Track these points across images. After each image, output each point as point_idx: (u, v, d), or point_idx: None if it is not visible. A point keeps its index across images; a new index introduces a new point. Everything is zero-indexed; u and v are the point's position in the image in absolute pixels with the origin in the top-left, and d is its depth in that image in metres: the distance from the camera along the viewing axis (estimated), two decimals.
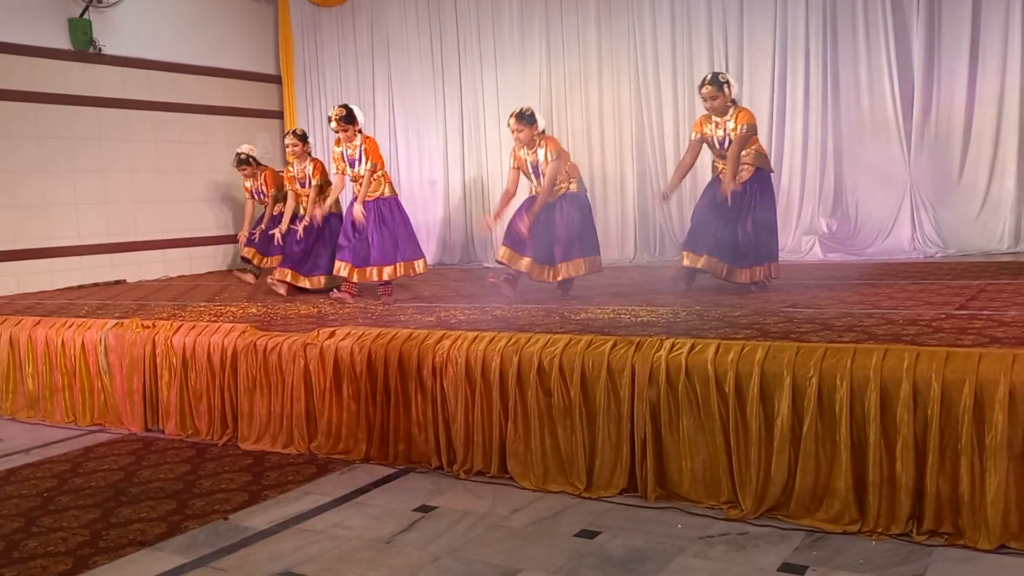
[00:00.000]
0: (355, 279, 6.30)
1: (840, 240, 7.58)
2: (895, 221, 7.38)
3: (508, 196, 5.88)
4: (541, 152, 5.65)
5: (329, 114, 6.35)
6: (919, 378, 3.09)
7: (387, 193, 6.40)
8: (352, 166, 6.33)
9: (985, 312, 4.06)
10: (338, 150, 6.36)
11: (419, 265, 6.48)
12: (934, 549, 3.01)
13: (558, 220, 5.69)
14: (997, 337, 3.41)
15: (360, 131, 6.34)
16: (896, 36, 7.24)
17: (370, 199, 6.31)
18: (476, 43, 9.20)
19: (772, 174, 5.70)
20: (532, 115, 5.63)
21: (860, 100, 7.46)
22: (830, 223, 7.67)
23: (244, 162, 8.30)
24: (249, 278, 8.01)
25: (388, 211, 6.37)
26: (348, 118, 6.21)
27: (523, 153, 5.71)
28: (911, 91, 7.25)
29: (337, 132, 6.28)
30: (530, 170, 5.73)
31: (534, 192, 5.78)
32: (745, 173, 5.46)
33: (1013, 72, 6.91)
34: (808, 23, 7.56)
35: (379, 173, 6.34)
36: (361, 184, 6.28)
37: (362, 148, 6.27)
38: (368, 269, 6.31)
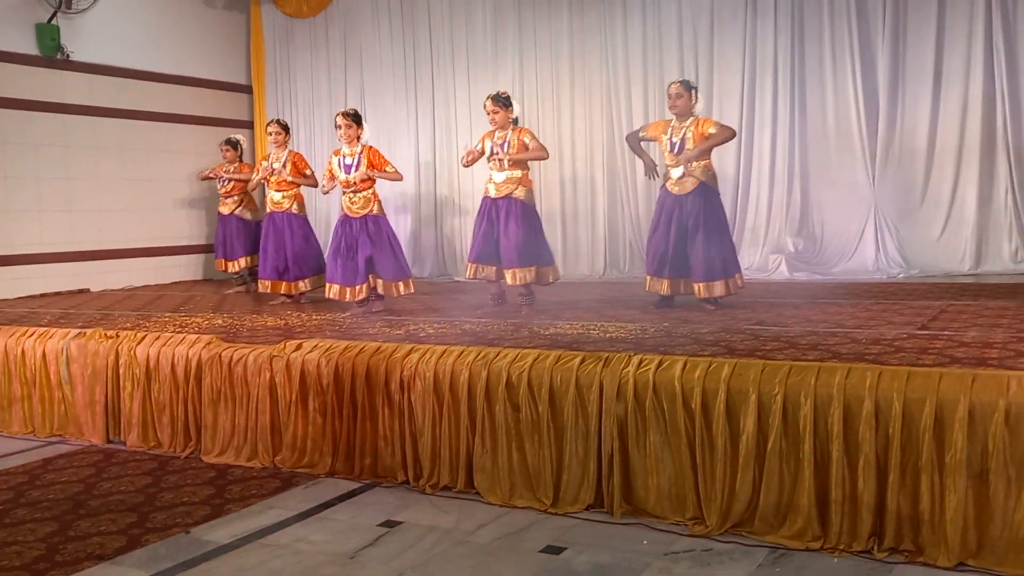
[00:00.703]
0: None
1: (806, 259, 7.68)
2: (860, 241, 7.50)
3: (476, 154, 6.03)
4: (512, 135, 5.82)
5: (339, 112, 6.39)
6: (881, 397, 3.14)
7: (376, 211, 6.25)
8: (348, 171, 6.17)
9: (946, 332, 4.13)
10: (335, 159, 6.28)
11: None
12: (895, 566, 3.04)
13: (510, 227, 5.82)
14: (957, 357, 3.47)
15: (359, 139, 6.29)
16: (862, 57, 7.37)
17: (361, 215, 6.17)
18: (449, 55, 9.23)
19: (719, 195, 5.73)
20: (508, 99, 5.86)
21: (826, 120, 7.59)
22: (796, 242, 7.77)
23: (233, 146, 8.62)
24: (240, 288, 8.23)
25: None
26: (356, 117, 6.26)
27: (494, 137, 5.87)
28: (876, 112, 7.39)
29: (340, 128, 6.21)
30: (495, 151, 5.86)
31: (493, 168, 5.93)
32: (689, 184, 5.50)
33: (975, 95, 7.07)
34: (776, 43, 7.68)
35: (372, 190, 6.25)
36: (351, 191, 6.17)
37: (361, 155, 6.16)
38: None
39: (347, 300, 6.16)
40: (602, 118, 8.47)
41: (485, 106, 5.85)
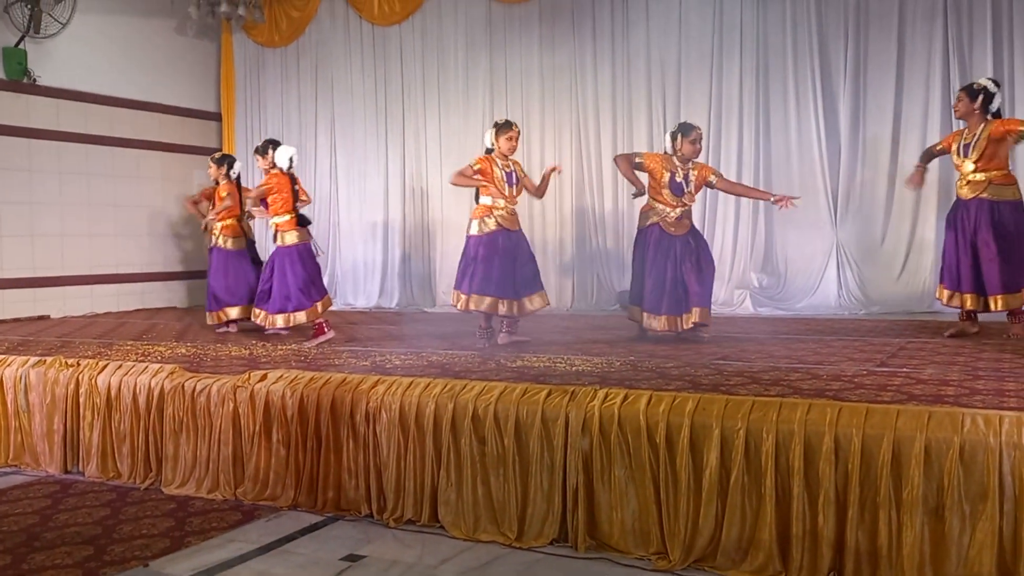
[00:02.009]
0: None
1: (770, 295, 7.80)
2: (822, 278, 7.64)
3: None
4: (513, 165, 5.78)
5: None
6: (840, 433, 3.19)
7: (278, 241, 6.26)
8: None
9: (904, 369, 4.21)
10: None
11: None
12: None
13: (527, 254, 5.80)
14: (914, 394, 3.54)
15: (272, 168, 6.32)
16: (824, 101, 7.57)
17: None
18: (421, 89, 9.31)
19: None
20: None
21: (790, 160, 7.75)
22: (760, 278, 7.90)
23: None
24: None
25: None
26: (260, 149, 6.42)
27: (503, 161, 5.68)
28: (838, 154, 7.57)
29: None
30: (503, 178, 5.64)
31: (494, 198, 5.63)
32: (688, 222, 5.63)
33: (933, 138, 7.21)
34: (742, 85, 7.86)
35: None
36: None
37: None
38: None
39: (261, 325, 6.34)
40: (571, 155, 8.58)
41: (513, 128, 5.66)
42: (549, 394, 3.78)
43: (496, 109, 8.88)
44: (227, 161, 7.24)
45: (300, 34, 9.88)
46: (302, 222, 6.23)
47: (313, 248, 6.29)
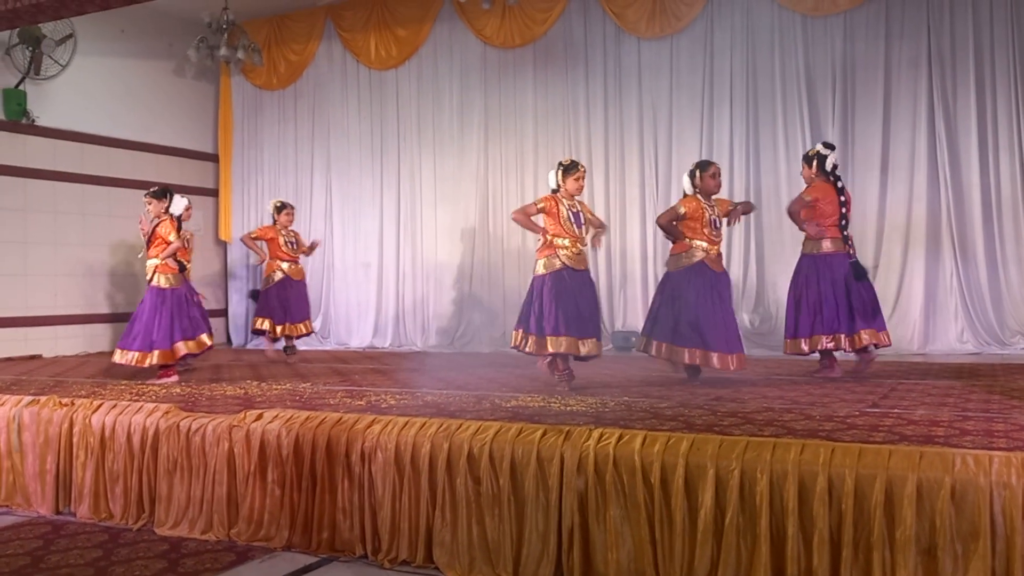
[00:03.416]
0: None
1: (762, 335, 7.86)
2: None
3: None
4: (580, 206, 5.60)
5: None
6: (834, 473, 3.22)
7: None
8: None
9: (895, 410, 4.25)
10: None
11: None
12: None
13: (587, 296, 5.54)
14: (906, 435, 3.57)
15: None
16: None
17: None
18: (416, 132, 9.44)
19: None
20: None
21: (780, 204, 7.84)
22: (753, 319, 7.96)
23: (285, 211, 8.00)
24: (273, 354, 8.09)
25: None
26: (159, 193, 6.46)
27: (568, 201, 5.50)
28: None
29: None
30: (570, 217, 5.46)
31: (547, 239, 5.48)
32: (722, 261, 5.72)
33: (920, 183, 7.42)
34: (732, 129, 8.02)
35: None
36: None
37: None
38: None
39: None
40: None
41: (579, 170, 5.52)
42: (544, 434, 3.79)
43: (490, 150, 9.02)
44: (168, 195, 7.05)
45: (298, 77, 10.03)
46: (181, 266, 6.53)
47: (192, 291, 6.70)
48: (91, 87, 9.14)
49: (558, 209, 5.47)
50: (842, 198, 5.77)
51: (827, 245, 5.76)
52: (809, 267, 5.81)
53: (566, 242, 5.45)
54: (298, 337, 8.15)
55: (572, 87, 8.67)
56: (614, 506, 3.57)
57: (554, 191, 5.58)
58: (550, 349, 5.34)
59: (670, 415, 4.23)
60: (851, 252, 5.78)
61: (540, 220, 5.57)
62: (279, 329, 7.92)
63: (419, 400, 4.99)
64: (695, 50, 8.16)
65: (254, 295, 8.41)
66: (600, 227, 5.78)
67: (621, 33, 8.42)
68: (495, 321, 9.00)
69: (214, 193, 10.51)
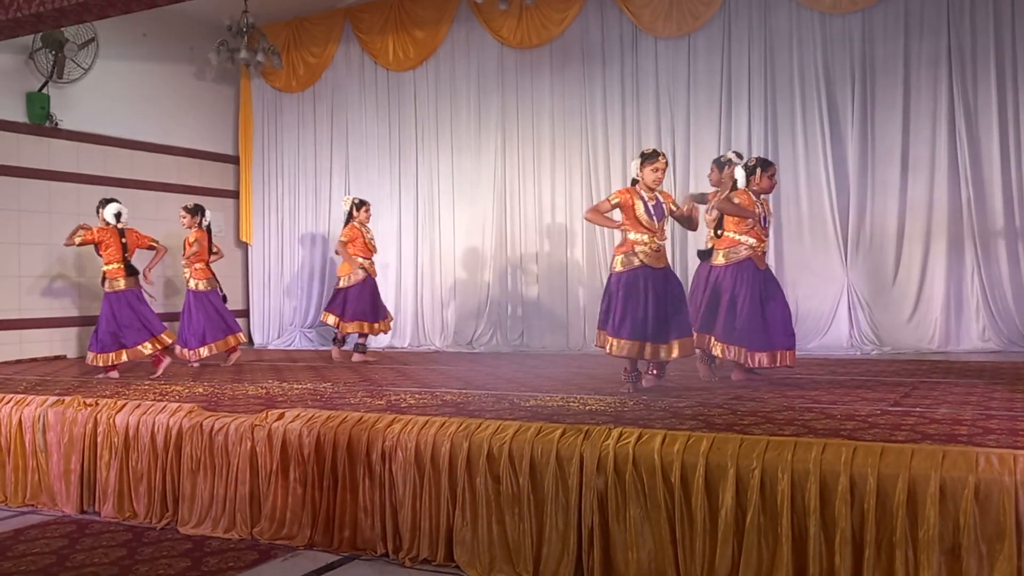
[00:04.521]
0: None
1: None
2: (833, 319, 7.67)
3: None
4: (662, 196, 5.32)
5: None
6: (856, 472, 3.20)
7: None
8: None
9: (917, 409, 4.23)
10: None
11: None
12: None
13: (669, 294, 5.26)
14: (928, 434, 3.55)
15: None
16: (832, 144, 7.68)
17: None
18: (434, 132, 9.47)
19: None
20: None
21: (799, 204, 7.84)
22: None
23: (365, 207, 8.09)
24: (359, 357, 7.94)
25: None
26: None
27: (647, 194, 5.22)
28: (847, 197, 7.66)
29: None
30: (646, 211, 5.18)
31: (625, 235, 5.24)
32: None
33: (940, 181, 7.36)
34: (750, 129, 7.98)
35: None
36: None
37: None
38: None
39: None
40: (582, 196, 8.69)
41: (660, 159, 5.19)
42: (563, 433, 3.80)
43: (508, 151, 9.04)
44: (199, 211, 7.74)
45: (317, 79, 10.10)
46: (130, 270, 7.00)
47: (146, 295, 7.12)
48: (113, 90, 9.23)
49: (634, 203, 5.17)
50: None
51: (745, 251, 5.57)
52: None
53: (643, 238, 5.16)
54: (375, 335, 8.23)
55: (589, 87, 8.67)
56: (634, 505, 3.57)
57: (634, 182, 5.30)
58: (612, 352, 5.18)
59: (689, 414, 4.22)
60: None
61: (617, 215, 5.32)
62: (369, 327, 7.91)
63: (438, 399, 5.01)
64: (712, 49, 8.14)
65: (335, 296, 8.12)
66: (692, 213, 5.49)
67: (638, 32, 8.41)
68: (514, 321, 9.02)
69: (235, 195, 10.60)
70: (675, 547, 3.50)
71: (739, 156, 6.29)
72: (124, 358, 6.83)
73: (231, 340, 7.62)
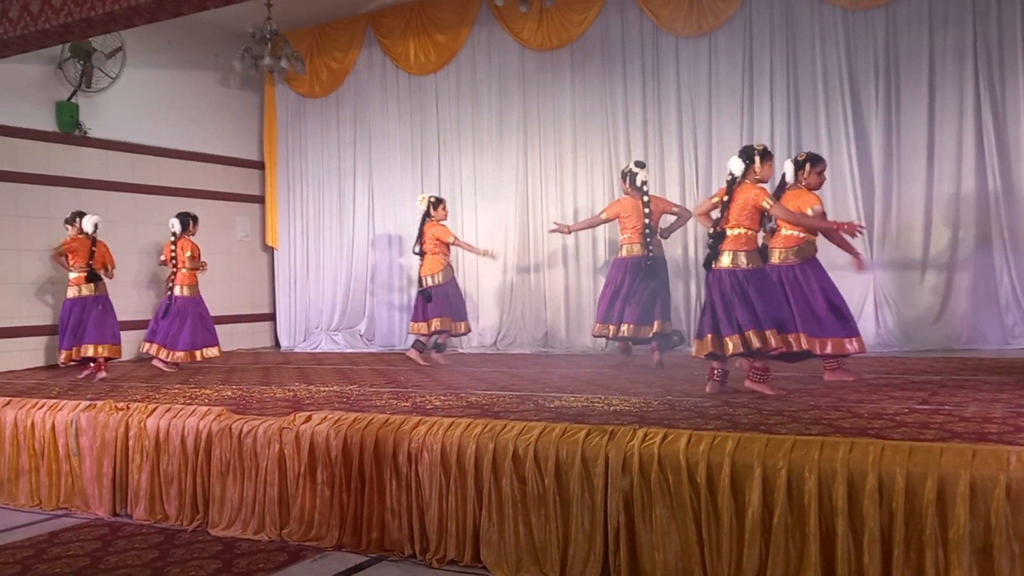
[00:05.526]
0: None
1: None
2: (860, 316, 7.56)
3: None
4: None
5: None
6: (884, 471, 3.18)
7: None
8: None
9: (946, 407, 4.19)
10: None
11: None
12: None
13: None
14: (958, 432, 3.52)
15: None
16: (856, 139, 7.61)
17: None
18: (456, 134, 9.51)
19: None
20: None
21: (824, 199, 7.72)
22: None
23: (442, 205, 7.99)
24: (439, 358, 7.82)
25: None
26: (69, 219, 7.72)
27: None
28: (872, 192, 7.58)
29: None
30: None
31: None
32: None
33: (968, 176, 7.27)
34: (773, 124, 7.93)
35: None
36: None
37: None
38: None
39: None
40: (603, 195, 8.68)
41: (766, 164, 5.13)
42: (588, 434, 3.81)
43: (530, 152, 9.05)
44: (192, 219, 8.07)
45: (339, 84, 10.17)
46: (91, 278, 7.55)
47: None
48: (140, 98, 9.36)
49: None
50: (646, 210, 6.61)
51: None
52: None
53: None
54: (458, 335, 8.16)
55: (610, 87, 8.66)
56: (660, 506, 3.57)
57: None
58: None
59: (714, 414, 4.22)
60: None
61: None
62: (456, 327, 7.82)
63: (463, 401, 5.04)
64: (733, 46, 8.10)
65: (427, 296, 7.74)
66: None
67: (658, 32, 8.38)
68: (537, 322, 9.03)
69: (260, 200, 10.70)
70: (701, 547, 3.50)
71: (639, 165, 6.80)
72: (88, 353, 7.40)
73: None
